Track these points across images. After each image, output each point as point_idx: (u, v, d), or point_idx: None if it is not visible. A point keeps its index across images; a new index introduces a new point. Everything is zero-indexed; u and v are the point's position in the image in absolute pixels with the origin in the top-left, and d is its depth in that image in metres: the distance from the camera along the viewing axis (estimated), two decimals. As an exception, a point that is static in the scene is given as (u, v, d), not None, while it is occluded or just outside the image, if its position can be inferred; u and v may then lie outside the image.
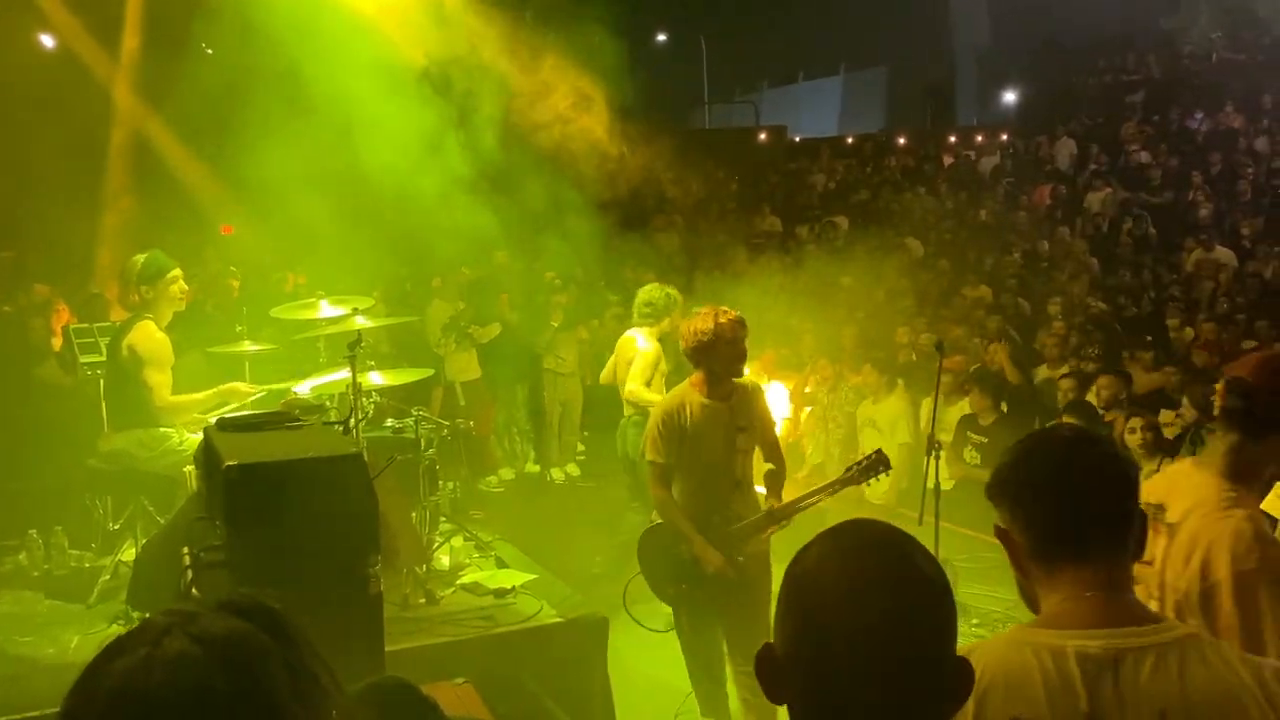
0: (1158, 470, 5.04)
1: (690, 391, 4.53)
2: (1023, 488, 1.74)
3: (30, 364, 8.19)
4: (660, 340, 6.72)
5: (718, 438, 4.48)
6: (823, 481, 8.42)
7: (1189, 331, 9.38)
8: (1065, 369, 8.04)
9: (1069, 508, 1.69)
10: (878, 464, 4.51)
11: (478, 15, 8.18)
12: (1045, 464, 1.73)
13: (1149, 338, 9.16)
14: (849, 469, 4.59)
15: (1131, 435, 6.43)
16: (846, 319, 10.27)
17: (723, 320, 4.46)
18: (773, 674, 1.29)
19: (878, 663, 1.22)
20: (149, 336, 5.23)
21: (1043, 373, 8.55)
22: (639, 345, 6.68)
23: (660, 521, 4.69)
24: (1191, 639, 1.64)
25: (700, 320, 4.48)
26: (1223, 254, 11.61)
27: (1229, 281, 10.59)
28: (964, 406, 7.77)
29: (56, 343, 8.60)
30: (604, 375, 7.42)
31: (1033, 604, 1.76)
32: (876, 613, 1.23)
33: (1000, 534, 1.77)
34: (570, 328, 9.92)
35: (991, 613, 6.00)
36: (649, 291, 6.78)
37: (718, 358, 4.45)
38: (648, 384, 6.60)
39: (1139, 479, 1.75)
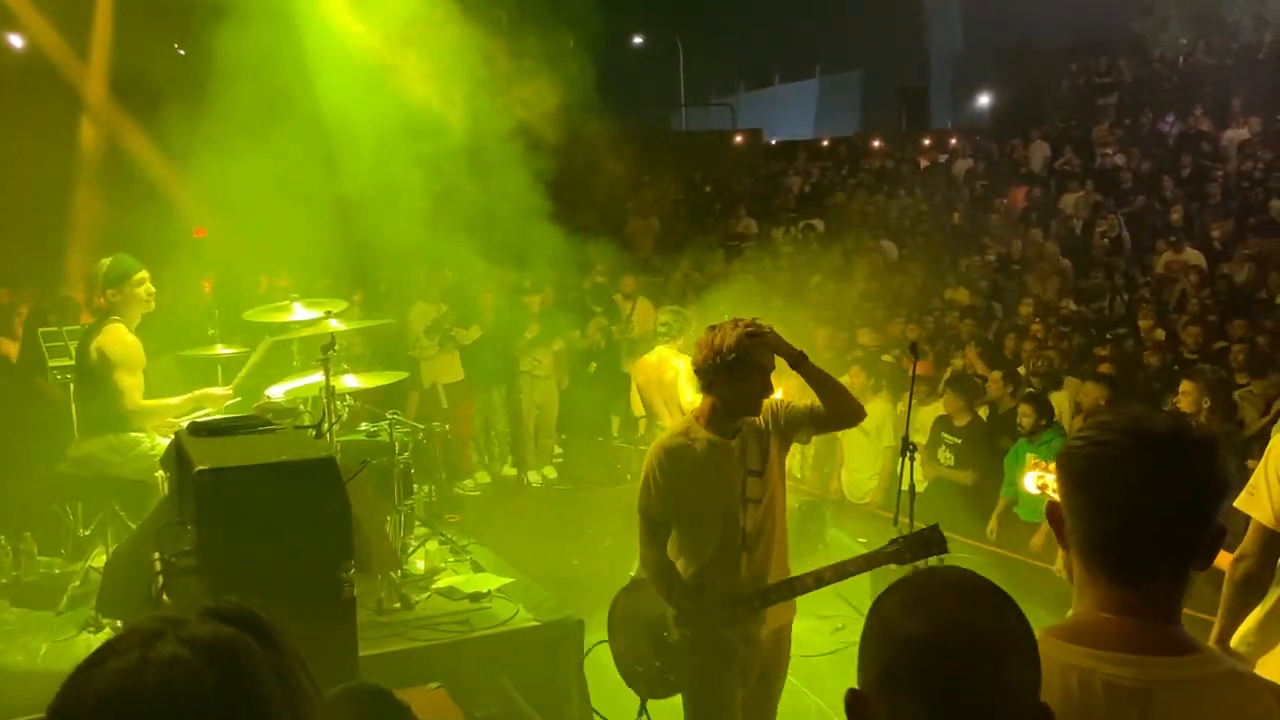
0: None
1: (694, 426, 3.60)
2: (1088, 478, 1.54)
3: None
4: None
5: (724, 484, 3.53)
6: (804, 485, 8.52)
7: (1160, 332, 9.46)
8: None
9: (1127, 521, 1.51)
10: (932, 545, 3.51)
11: (453, 17, 8.15)
12: (1119, 462, 1.51)
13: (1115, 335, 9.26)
14: (895, 542, 3.55)
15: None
16: (823, 321, 10.31)
17: (750, 338, 3.51)
18: (851, 714, 1.32)
19: (961, 712, 1.24)
20: (119, 339, 5.17)
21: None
22: (677, 363, 6.58)
23: (641, 578, 3.83)
24: (1232, 675, 1.49)
25: (723, 334, 3.52)
26: (1192, 255, 11.72)
27: (1197, 283, 10.68)
28: (938, 408, 7.82)
29: (14, 347, 8.51)
30: (634, 405, 7.45)
31: (1072, 577, 1.64)
32: (969, 664, 1.25)
33: (1051, 510, 1.63)
34: (547, 341, 9.91)
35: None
36: (663, 313, 6.98)
37: (738, 386, 3.51)
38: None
39: (1224, 492, 1.53)
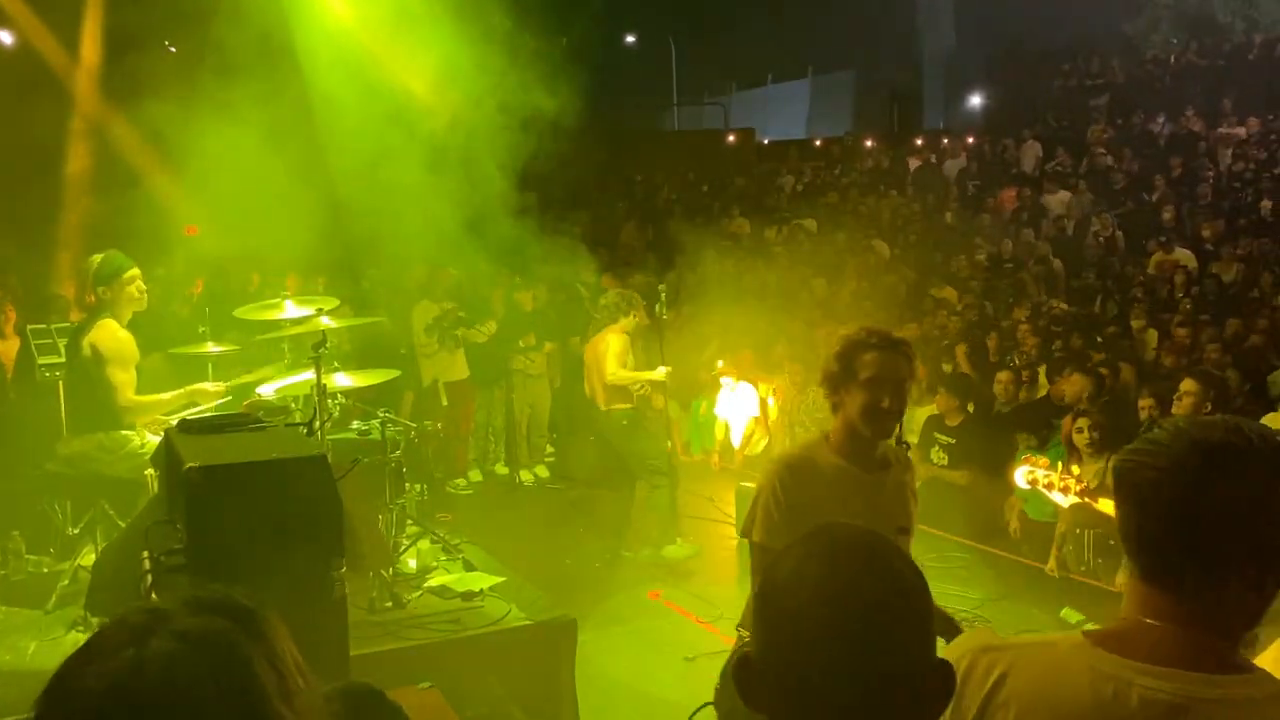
0: (1106, 468, 5.03)
1: (821, 448, 3.05)
2: (1134, 481, 1.49)
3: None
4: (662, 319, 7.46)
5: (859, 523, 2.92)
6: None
7: (1153, 332, 9.48)
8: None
9: (1163, 522, 1.46)
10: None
11: (448, 15, 8.13)
12: (1164, 464, 1.46)
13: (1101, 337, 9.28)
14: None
15: (1079, 435, 6.51)
16: (816, 320, 10.32)
17: (862, 340, 2.98)
18: (749, 680, 1.28)
19: (855, 669, 1.20)
20: (112, 335, 5.14)
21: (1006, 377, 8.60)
22: (611, 341, 7.20)
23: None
24: (1277, 699, 1.41)
25: (831, 342, 3.15)
26: (1183, 255, 11.76)
27: (1185, 283, 10.72)
28: (931, 407, 7.82)
29: (5, 346, 8.45)
30: (586, 390, 7.69)
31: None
32: (853, 618, 1.21)
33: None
34: (540, 341, 9.89)
35: (959, 612, 6.03)
36: (605, 296, 7.48)
37: (851, 401, 2.97)
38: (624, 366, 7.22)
39: None
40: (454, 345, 9.60)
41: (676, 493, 7.52)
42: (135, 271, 5.26)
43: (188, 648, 1.02)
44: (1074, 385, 7.02)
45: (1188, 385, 6.10)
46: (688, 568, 7.33)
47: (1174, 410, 6.13)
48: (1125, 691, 1.42)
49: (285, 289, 9.75)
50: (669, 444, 7.65)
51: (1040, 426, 7.43)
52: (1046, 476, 3.06)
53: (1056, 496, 3.06)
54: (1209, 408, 6.01)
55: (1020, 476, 3.16)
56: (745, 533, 3.02)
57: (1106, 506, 1.92)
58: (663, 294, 7.46)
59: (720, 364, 9.89)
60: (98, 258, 5.25)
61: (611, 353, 7.18)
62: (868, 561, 1.25)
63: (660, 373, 7.31)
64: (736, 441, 9.88)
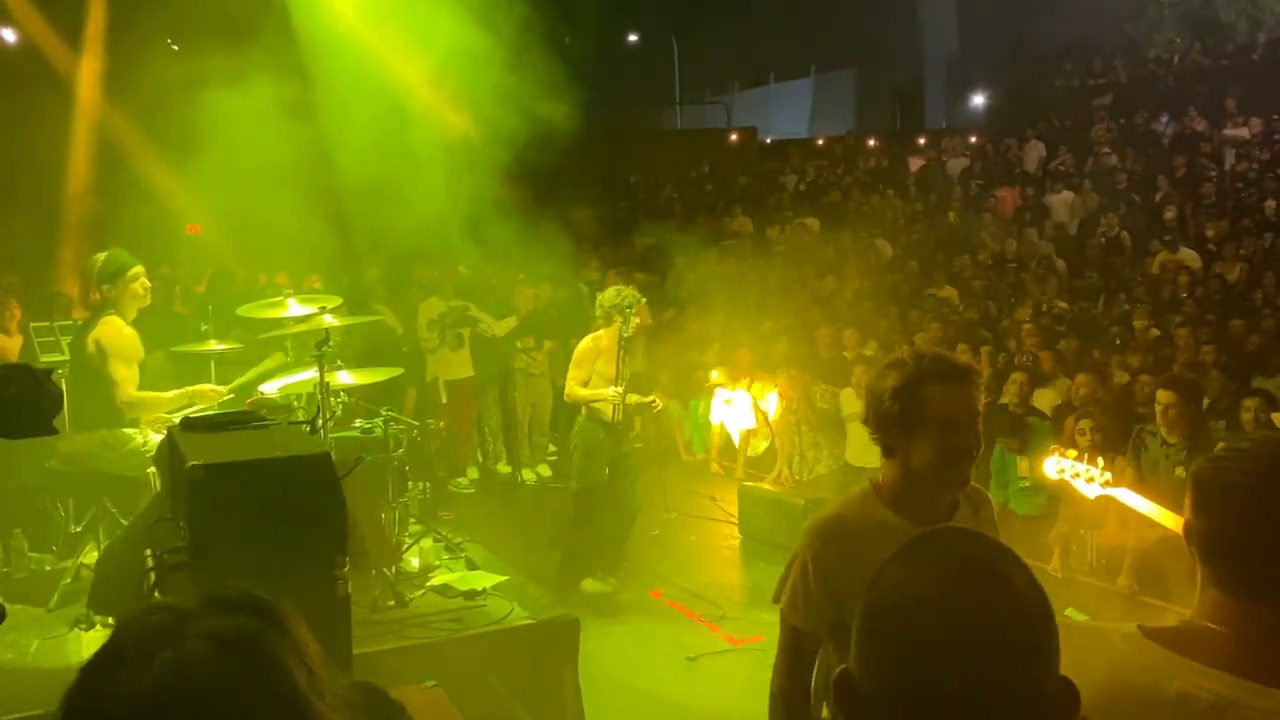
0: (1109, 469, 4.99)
1: (868, 504, 2.48)
2: (1220, 503, 1.48)
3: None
4: (628, 339, 6.69)
5: None
6: (792, 482, 8.49)
7: (1155, 332, 9.46)
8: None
9: (1257, 544, 1.44)
10: None
11: (451, 13, 8.12)
12: (1257, 491, 1.43)
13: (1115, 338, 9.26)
14: None
15: (1081, 436, 6.49)
16: (818, 320, 10.31)
17: (925, 370, 2.39)
18: (853, 705, 1.21)
19: (982, 693, 1.14)
20: (117, 331, 5.16)
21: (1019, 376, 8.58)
22: (578, 346, 6.76)
23: None
24: None
25: (883, 373, 2.46)
26: (1187, 255, 11.74)
27: (1189, 283, 10.69)
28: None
29: (10, 343, 8.45)
30: None
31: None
32: (978, 640, 1.15)
33: (1186, 527, 1.54)
34: (539, 339, 9.87)
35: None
36: (601, 294, 6.84)
37: (915, 447, 2.40)
38: (584, 383, 6.68)
39: None
40: (457, 343, 9.59)
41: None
42: (139, 269, 5.27)
43: (224, 650, 1.01)
44: (1083, 386, 7.00)
45: (1164, 397, 6.04)
46: (692, 567, 7.32)
47: (1160, 422, 6.06)
48: (1164, 684, 1.40)
49: (286, 287, 9.76)
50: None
51: (1019, 429, 7.36)
52: (1074, 468, 3.08)
53: (1083, 487, 3.08)
54: (1193, 411, 5.98)
55: (1050, 467, 3.18)
56: (775, 599, 2.55)
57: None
58: (628, 311, 6.66)
59: (715, 375, 9.82)
60: (101, 256, 5.26)
61: (572, 361, 6.75)
62: (987, 577, 1.19)
63: (612, 393, 6.55)
64: (735, 440, 9.86)
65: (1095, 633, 1.53)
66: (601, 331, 6.69)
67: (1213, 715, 1.37)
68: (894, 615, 1.18)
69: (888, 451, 2.46)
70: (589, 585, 6.73)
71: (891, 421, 2.40)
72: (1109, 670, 1.43)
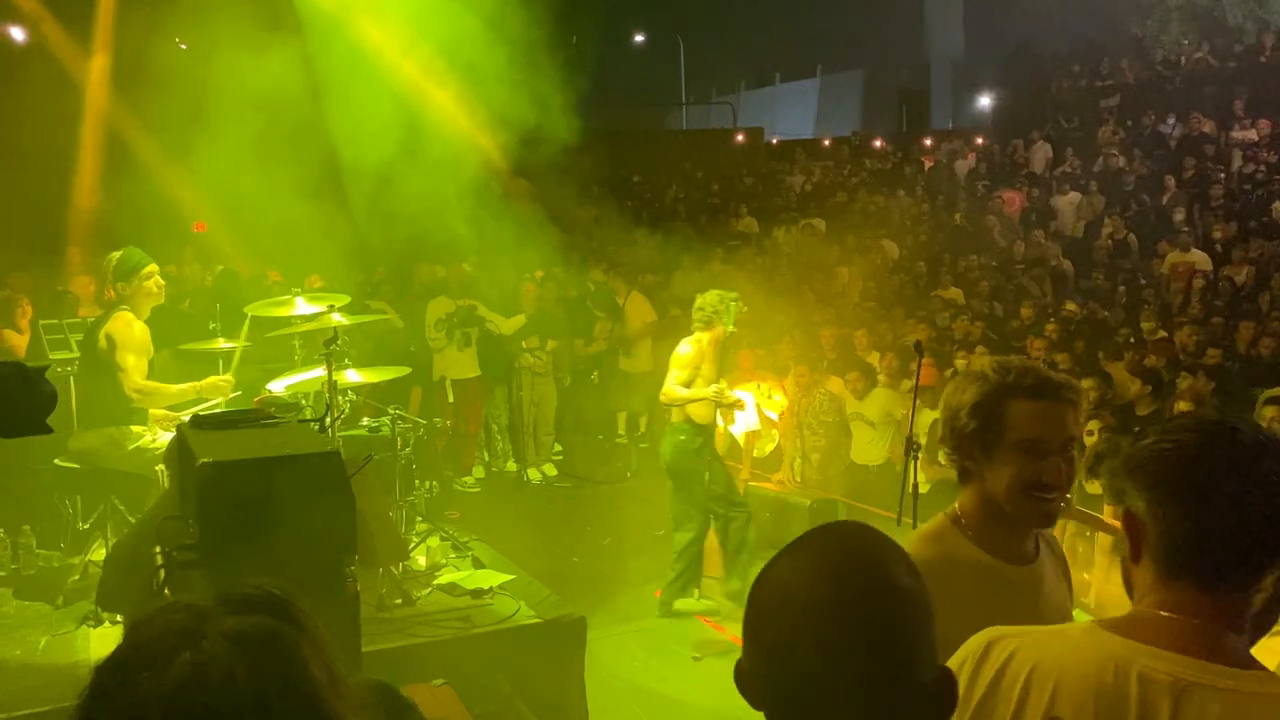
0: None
1: (953, 538, 2.17)
2: (1183, 489, 1.45)
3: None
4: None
5: None
6: (796, 482, 8.48)
7: (1163, 334, 9.45)
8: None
9: (1224, 528, 1.43)
10: None
11: (458, 13, 8.13)
12: (1220, 474, 1.44)
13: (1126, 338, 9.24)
14: None
15: (1089, 437, 6.48)
16: (823, 321, 10.29)
17: (1013, 383, 2.08)
18: (744, 686, 1.25)
19: (852, 680, 1.17)
20: (128, 325, 5.19)
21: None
22: (679, 348, 6.41)
23: None
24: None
25: (962, 385, 2.18)
26: (1197, 256, 11.72)
27: (1202, 286, 10.67)
28: (938, 411, 7.80)
29: (18, 339, 8.47)
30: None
31: (1130, 589, 1.56)
32: (851, 628, 1.17)
33: (1128, 520, 1.51)
34: (542, 338, 9.88)
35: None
36: (702, 297, 6.47)
37: (995, 472, 2.10)
38: (686, 385, 6.34)
39: None
40: (464, 343, 9.60)
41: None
42: (153, 268, 5.29)
43: (244, 650, 1.00)
44: (1094, 390, 6.99)
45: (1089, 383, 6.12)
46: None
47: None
48: (1126, 670, 1.42)
49: (294, 286, 9.77)
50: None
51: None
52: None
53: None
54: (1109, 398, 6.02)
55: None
56: None
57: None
58: (733, 307, 6.47)
59: (713, 388, 9.77)
60: (117, 254, 5.29)
61: (676, 364, 6.38)
62: (866, 569, 1.21)
63: (712, 390, 6.33)
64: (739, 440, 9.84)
65: (1056, 633, 1.56)
66: (702, 334, 6.38)
67: (1172, 695, 1.39)
68: (773, 602, 1.21)
69: (964, 475, 2.18)
70: (693, 603, 6.53)
71: (969, 440, 2.12)
72: (1080, 665, 1.46)
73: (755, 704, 1.25)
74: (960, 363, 8.69)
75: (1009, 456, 2.06)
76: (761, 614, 1.23)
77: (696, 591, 6.61)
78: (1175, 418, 1.60)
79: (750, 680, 1.24)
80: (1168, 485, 1.46)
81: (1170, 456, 1.47)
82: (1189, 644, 1.42)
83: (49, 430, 2.10)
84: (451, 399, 9.62)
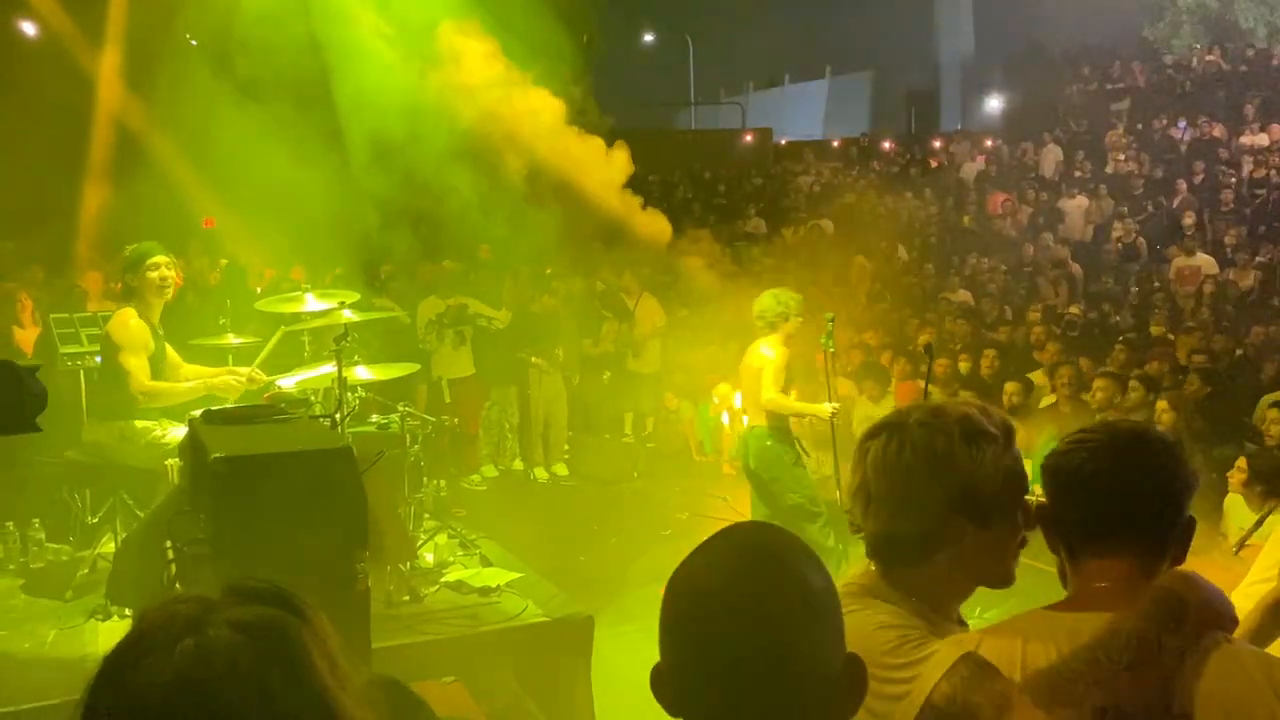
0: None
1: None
2: (1068, 478, 1.73)
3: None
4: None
5: None
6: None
7: (1169, 337, 9.43)
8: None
9: (1106, 507, 1.70)
10: None
11: (468, 12, 8.13)
12: (1094, 461, 1.71)
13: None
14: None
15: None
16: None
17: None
18: (661, 689, 1.29)
19: (757, 674, 1.21)
20: (123, 324, 5.19)
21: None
22: (762, 351, 6.23)
23: None
24: (1212, 639, 1.61)
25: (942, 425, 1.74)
26: (1204, 260, 11.69)
27: (1212, 290, 10.65)
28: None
29: (25, 335, 8.50)
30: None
31: (1065, 581, 1.78)
32: (754, 623, 1.21)
33: (1040, 511, 1.76)
34: (552, 341, 9.88)
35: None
36: (760, 301, 6.32)
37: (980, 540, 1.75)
38: (784, 391, 6.21)
39: (1193, 485, 1.73)
40: (457, 342, 9.59)
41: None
42: (157, 259, 5.25)
43: (248, 637, 1.01)
44: (1102, 391, 6.97)
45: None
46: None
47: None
48: (1077, 636, 1.59)
49: (302, 282, 9.78)
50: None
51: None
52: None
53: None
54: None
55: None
56: None
57: None
58: (830, 324, 6.39)
59: (716, 401, 9.76)
60: (130, 247, 5.30)
61: (772, 370, 6.15)
62: (772, 565, 1.25)
63: (827, 408, 6.22)
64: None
65: (1020, 619, 1.72)
66: (772, 337, 6.25)
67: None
68: (682, 599, 1.26)
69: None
70: None
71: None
72: (1034, 640, 1.63)
73: (670, 707, 1.28)
74: (964, 366, 8.67)
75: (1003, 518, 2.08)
76: (679, 614, 1.27)
77: None
78: (1087, 428, 1.82)
79: (666, 679, 1.27)
80: (1062, 481, 1.73)
81: (1059, 457, 1.75)
82: (1119, 603, 1.62)
83: (37, 429, 2.10)
84: (448, 399, 9.60)
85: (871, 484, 1.71)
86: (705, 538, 1.32)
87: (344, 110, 8.50)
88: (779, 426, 6.27)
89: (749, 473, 6.43)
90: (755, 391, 6.25)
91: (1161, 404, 6.59)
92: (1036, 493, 2.86)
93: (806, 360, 7.81)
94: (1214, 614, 1.62)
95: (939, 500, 1.66)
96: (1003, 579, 1.75)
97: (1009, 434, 1.75)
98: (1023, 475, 1.74)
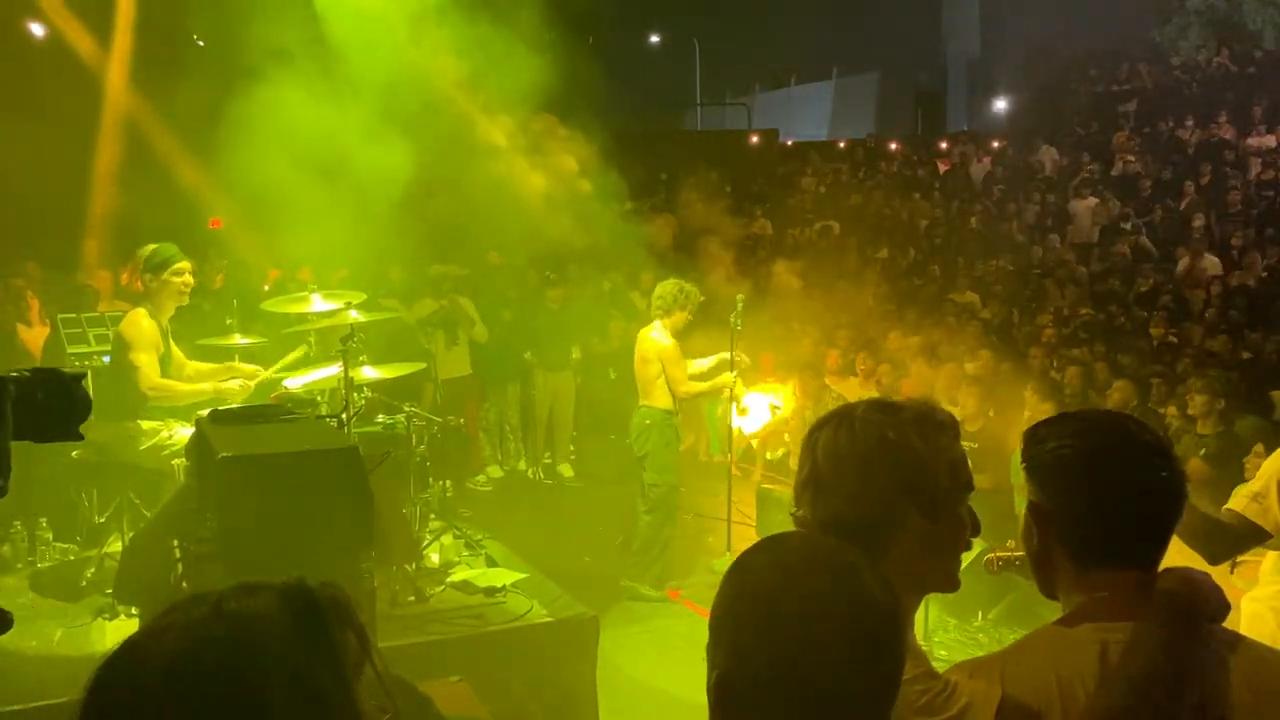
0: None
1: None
2: (1080, 483, 1.65)
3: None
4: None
5: None
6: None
7: (1172, 338, 9.41)
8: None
9: (1125, 518, 1.64)
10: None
11: (476, 13, 8.14)
12: (1112, 469, 1.64)
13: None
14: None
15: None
16: (838, 324, 10.27)
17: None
18: (728, 703, 1.24)
19: (866, 671, 1.21)
20: (134, 323, 5.22)
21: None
22: (654, 337, 6.73)
23: None
24: (1226, 638, 1.61)
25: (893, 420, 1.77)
26: (1210, 262, 11.67)
27: (1219, 291, 10.63)
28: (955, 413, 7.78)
29: (31, 334, 8.52)
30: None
31: (1046, 587, 1.71)
32: (864, 621, 1.20)
33: (1035, 511, 1.69)
34: (564, 342, 9.88)
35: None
36: (663, 285, 6.84)
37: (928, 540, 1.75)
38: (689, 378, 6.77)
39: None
40: (450, 342, 9.59)
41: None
42: (183, 265, 5.29)
43: (245, 624, 1.02)
44: (1120, 392, 6.96)
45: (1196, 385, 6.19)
46: (710, 568, 7.32)
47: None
48: (1105, 650, 1.57)
49: (310, 282, 9.80)
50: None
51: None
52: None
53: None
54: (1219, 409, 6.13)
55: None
56: None
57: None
58: (740, 304, 7.01)
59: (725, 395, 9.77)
60: (151, 246, 5.31)
61: (675, 358, 6.70)
62: (852, 568, 1.25)
63: (730, 378, 6.91)
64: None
65: (1037, 641, 1.69)
66: (665, 322, 6.75)
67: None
68: (762, 605, 1.22)
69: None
70: (648, 590, 6.79)
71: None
72: (1065, 660, 1.60)
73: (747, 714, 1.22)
74: (970, 367, 8.65)
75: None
76: (756, 621, 1.22)
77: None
78: (1071, 417, 1.73)
79: (739, 691, 1.21)
80: (1072, 488, 1.65)
81: (1052, 453, 1.66)
82: (1133, 612, 1.59)
83: (80, 437, 2.13)
84: (438, 399, 9.59)
85: (822, 472, 1.67)
86: (713, 541, 1.31)
87: (351, 110, 8.52)
88: (665, 409, 6.76)
89: (640, 460, 6.86)
90: (647, 375, 6.73)
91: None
92: (1010, 546, 2.81)
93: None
94: (1213, 609, 1.62)
95: (892, 487, 1.62)
96: (948, 579, 1.70)
97: (956, 427, 1.71)
98: (968, 471, 1.69)
